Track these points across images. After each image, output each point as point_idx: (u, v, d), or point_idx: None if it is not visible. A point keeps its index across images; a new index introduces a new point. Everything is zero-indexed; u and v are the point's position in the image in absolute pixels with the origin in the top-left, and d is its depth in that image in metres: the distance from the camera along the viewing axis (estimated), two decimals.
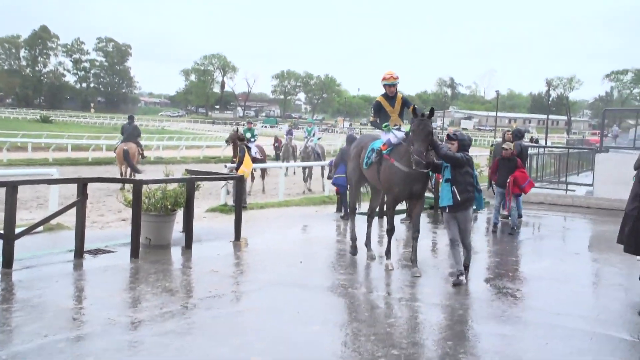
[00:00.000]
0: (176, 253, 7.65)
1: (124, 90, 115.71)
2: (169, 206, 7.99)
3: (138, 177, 15.56)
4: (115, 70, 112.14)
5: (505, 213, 10.37)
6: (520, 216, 10.97)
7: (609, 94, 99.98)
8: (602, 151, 14.16)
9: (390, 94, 7.11)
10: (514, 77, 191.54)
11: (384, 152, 6.71)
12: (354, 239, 7.68)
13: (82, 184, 7.10)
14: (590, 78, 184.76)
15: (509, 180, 9.67)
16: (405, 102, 7.10)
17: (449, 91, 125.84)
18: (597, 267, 7.73)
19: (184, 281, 6.27)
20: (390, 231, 6.95)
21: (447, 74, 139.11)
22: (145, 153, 18.77)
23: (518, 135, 11.34)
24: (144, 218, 7.66)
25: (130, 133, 16.30)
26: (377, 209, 9.56)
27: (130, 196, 7.43)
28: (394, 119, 7.06)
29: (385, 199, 7.33)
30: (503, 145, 10.05)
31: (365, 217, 7.94)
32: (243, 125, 17.35)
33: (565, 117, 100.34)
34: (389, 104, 7.12)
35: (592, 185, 14.31)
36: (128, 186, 8.11)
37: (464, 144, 6.41)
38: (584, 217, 12.23)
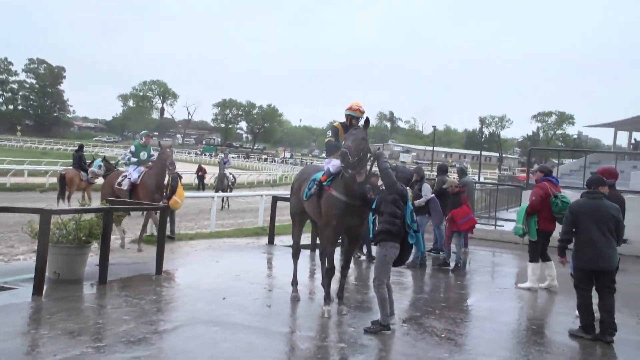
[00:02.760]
0: (87, 289, 7.07)
1: (55, 114, 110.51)
2: (83, 238, 7.43)
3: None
4: (46, 93, 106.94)
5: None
6: (440, 251, 10.96)
7: (536, 134, 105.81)
8: (528, 188, 14.64)
9: (350, 126, 6.60)
10: (450, 114, 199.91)
11: (324, 183, 6.41)
12: (295, 282, 7.16)
13: None
14: (519, 117, 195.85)
15: (447, 216, 9.73)
16: None
17: (389, 125, 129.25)
18: (521, 304, 7.79)
19: (90, 322, 5.70)
20: (330, 271, 6.46)
21: (387, 108, 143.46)
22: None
23: (442, 169, 11.38)
24: (54, 251, 7.08)
25: (76, 161, 17.39)
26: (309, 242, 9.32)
27: (37, 227, 6.83)
28: None
29: (321, 236, 6.79)
30: (445, 184, 10.10)
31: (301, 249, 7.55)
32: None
33: (497, 154, 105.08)
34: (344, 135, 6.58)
35: None
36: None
37: (403, 176, 6.17)
38: (511, 252, 12.51)
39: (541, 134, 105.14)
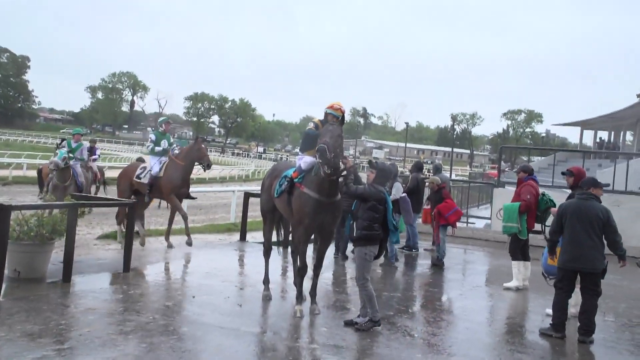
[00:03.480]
0: (50, 288, 6.79)
1: (20, 105, 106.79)
2: (46, 234, 7.15)
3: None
4: (9, 83, 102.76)
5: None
6: (413, 248, 11.06)
7: (506, 131, 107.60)
8: (499, 186, 14.78)
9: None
10: (422, 111, 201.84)
11: (296, 180, 6.27)
12: (267, 281, 7.01)
13: None
14: (490, 115, 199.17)
15: (434, 212, 9.78)
16: None
17: (362, 121, 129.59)
18: (492, 302, 7.83)
19: (51, 322, 5.44)
20: (302, 270, 6.36)
21: (360, 104, 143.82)
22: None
23: (418, 166, 11.58)
24: (14, 248, 6.79)
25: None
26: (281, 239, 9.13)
27: None
28: None
29: (293, 235, 6.71)
30: (426, 181, 10.23)
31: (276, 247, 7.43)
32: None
33: (468, 151, 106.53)
34: None
35: (490, 218, 14.87)
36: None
37: (383, 175, 6.11)
38: (483, 249, 12.60)
39: (511, 132, 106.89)
